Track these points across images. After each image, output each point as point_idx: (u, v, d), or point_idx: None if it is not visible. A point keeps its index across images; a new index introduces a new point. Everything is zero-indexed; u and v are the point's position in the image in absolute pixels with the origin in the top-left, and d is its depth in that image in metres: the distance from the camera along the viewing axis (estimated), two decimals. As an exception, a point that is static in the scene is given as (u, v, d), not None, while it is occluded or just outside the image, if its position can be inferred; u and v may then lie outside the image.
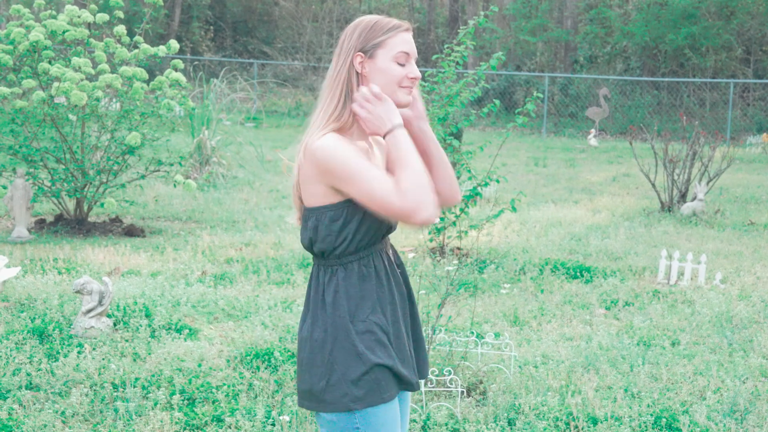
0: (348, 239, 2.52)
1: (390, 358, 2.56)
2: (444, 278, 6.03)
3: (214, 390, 4.66)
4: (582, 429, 4.35)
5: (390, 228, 2.59)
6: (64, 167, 8.83)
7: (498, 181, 8.00)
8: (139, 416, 4.36)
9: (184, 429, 4.25)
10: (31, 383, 4.72)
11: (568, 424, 4.40)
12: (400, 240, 8.70)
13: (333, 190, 2.49)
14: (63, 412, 4.36)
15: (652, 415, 4.46)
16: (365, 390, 2.53)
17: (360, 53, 2.54)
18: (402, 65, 2.54)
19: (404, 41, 2.55)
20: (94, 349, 5.25)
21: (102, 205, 8.88)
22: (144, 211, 10.06)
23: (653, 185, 10.91)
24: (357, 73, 2.54)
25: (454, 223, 7.93)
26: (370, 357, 2.53)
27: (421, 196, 2.40)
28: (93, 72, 8.50)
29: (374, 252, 2.58)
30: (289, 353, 5.15)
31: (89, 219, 9.23)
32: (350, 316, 2.53)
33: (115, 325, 5.70)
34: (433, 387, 4.67)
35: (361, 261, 2.56)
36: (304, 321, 2.59)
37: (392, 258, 2.65)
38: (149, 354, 5.21)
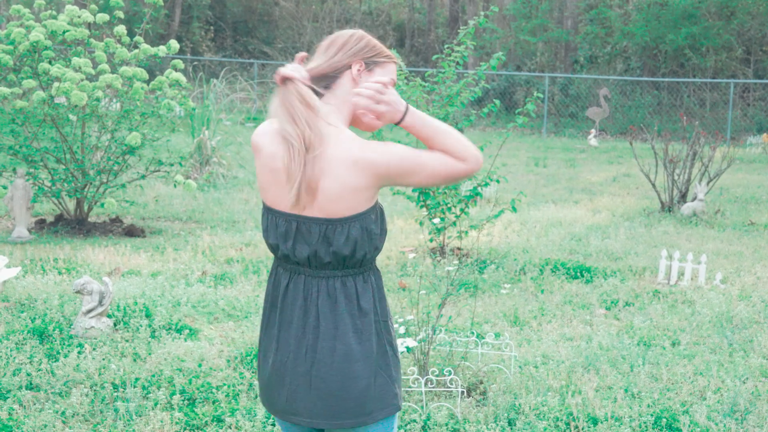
0: (384, 239, 2.53)
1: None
2: (444, 278, 6.03)
3: (214, 390, 4.66)
4: (582, 429, 4.35)
5: None
6: (64, 167, 8.84)
7: (498, 182, 8.00)
8: (140, 416, 4.37)
9: (185, 429, 4.25)
10: (31, 383, 4.72)
11: (568, 424, 4.40)
12: (400, 240, 8.70)
13: (377, 190, 2.48)
14: (63, 413, 4.36)
15: (652, 415, 4.47)
16: (400, 387, 2.57)
17: (362, 61, 2.57)
18: None
19: (393, 71, 2.64)
20: (94, 349, 5.25)
21: (102, 205, 8.88)
22: (144, 212, 10.06)
23: (653, 185, 10.91)
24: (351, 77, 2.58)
25: (454, 224, 7.93)
26: (399, 353, 2.58)
27: (470, 149, 2.47)
28: (93, 72, 8.50)
29: None
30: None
31: (89, 219, 9.23)
32: (384, 316, 2.54)
33: (115, 325, 5.70)
34: (433, 387, 4.67)
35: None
36: (333, 338, 2.47)
37: None
38: (149, 354, 5.21)
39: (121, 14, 9.31)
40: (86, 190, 8.90)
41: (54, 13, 9.09)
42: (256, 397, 4.64)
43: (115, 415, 4.36)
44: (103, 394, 4.55)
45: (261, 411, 4.34)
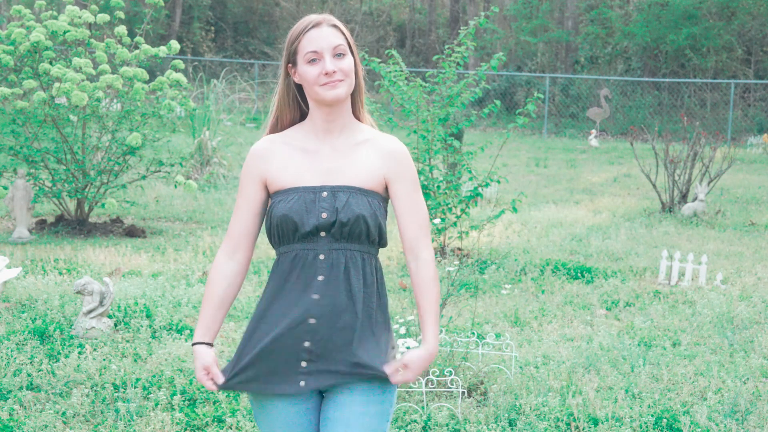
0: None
1: None
2: (445, 279, 6.03)
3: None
4: (583, 429, 4.35)
5: None
6: (64, 168, 8.84)
7: (499, 182, 8.00)
8: (140, 417, 4.37)
9: (185, 429, 4.25)
10: (32, 384, 4.72)
11: (568, 424, 4.40)
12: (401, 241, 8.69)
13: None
14: (64, 413, 4.36)
15: (652, 415, 4.46)
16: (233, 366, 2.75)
17: (290, 64, 2.61)
18: (315, 64, 2.55)
19: (310, 41, 2.55)
20: (94, 349, 5.25)
21: (103, 205, 8.88)
22: (145, 212, 10.06)
23: (654, 186, 10.91)
24: (295, 83, 2.63)
25: (454, 224, 7.93)
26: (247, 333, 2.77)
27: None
28: (94, 72, 8.50)
29: None
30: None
31: (90, 219, 9.23)
32: None
33: (116, 325, 5.70)
34: (434, 387, 4.67)
35: None
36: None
37: None
38: (150, 354, 5.21)
39: (121, 14, 9.31)
40: (87, 190, 8.89)
41: (55, 13, 9.09)
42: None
43: (116, 415, 4.36)
44: (104, 395, 4.55)
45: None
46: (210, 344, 2.65)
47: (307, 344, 2.54)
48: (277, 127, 2.69)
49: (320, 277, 2.54)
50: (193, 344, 2.65)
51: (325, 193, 2.55)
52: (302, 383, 2.55)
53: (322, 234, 2.54)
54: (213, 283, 2.64)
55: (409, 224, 2.63)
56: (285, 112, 2.68)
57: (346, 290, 2.54)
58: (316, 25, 2.56)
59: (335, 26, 2.57)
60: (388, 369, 2.55)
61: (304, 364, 2.55)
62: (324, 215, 2.53)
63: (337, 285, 2.54)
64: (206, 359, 2.61)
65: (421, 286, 2.62)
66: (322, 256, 2.55)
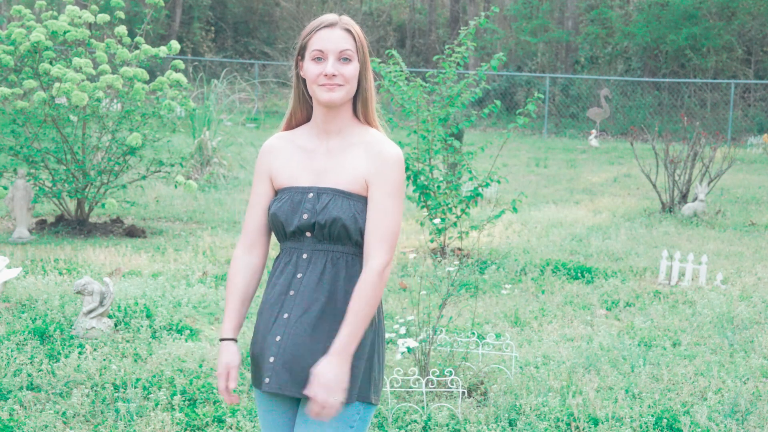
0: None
1: None
2: (445, 279, 6.03)
3: (215, 390, 4.66)
4: (583, 429, 4.35)
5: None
6: (65, 168, 8.83)
7: (499, 182, 8.00)
8: (140, 417, 4.37)
9: (185, 429, 4.25)
10: (32, 384, 4.72)
11: (569, 424, 4.40)
12: (401, 241, 8.70)
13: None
14: (64, 413, 4.36)
15: (653, 415, 4.47)
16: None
17: (299, 56, 2.65)
18: (318, 63, 2.58)
19: (320, 39, 2.58)
20: (95, 349, 5.25)
21: (103, 205, 8.88)
22: (145, 212, 10.06)
23: (654, 186, 10.91)
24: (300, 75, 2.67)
25: (455, 224, 7.93)
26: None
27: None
28: (94, 72, 8.50)
29: None
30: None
31: (90, 220, 9.23)
32: None
33: (116, 325, 5.70)
34: (434, 387, 4.67)
35: None
36: None
37: None
38: (150, 355, 5.21)
39: (121, 15, 9.30)
40: (87, 190, 8.89)
41: (55, 13, 9.08)
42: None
43: (116, 415, 4.36)
44: (104, 395, 4.56)
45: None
46: (236, 339, 2.71)
47: (278, 338, 2.59)
48: (292, 123, 2.74)
49: (299, 275, 2.59)
50: (221, 340, 2.70)
51: (311, 195, 2.60)
52: (266, 380, 2.60)
53: (308, 234, 2.59)
54: (233, 278, 2.70)
55: (371, 229, 2.56)
56: (297, 109, 2.71)
57: (320, 290, 2.57)
58: (330, 25, 2.58)
59: (348, 30, 2.59)
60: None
61: (271, 359, 2.59)
62: (305, 216, 2.57)
63: (310, 284, 2.57)
64: (232, 359, 2.68)
65: (355, 291, 2.54)
66: (305, 255, 2.59)
